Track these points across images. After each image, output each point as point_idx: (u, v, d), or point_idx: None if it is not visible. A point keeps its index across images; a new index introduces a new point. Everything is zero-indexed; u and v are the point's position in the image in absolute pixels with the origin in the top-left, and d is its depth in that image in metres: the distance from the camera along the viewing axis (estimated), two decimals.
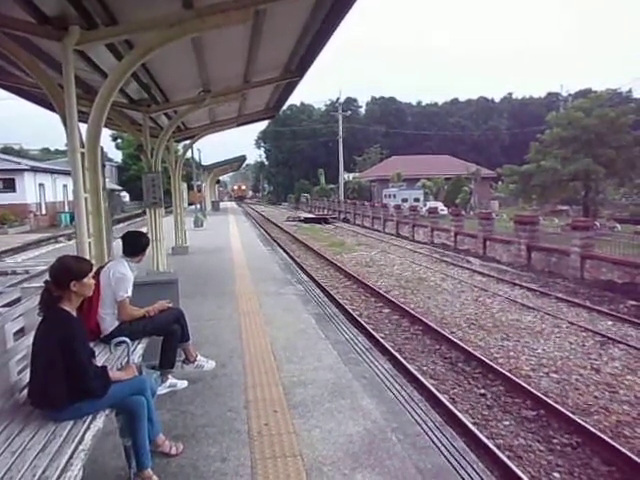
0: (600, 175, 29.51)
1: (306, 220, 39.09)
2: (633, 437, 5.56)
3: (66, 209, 37.82)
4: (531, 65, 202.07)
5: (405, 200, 39.81)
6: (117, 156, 62.22)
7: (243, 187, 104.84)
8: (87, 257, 5.20)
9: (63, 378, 2.90)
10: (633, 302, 11.62)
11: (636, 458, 4.91)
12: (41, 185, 36.60)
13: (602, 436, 5.34)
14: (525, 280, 14.58)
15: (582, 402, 6.44)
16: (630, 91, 62.02)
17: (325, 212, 46.49)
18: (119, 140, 54.93)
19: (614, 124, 29.74)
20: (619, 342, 8.69)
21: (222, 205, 52.50)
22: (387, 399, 4.61)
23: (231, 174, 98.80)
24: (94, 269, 3.62)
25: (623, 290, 12.65)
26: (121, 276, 4.21)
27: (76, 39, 4.91)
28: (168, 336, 4.57)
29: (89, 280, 3.19)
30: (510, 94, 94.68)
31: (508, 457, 5.04)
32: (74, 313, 3.11)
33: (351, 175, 66.73)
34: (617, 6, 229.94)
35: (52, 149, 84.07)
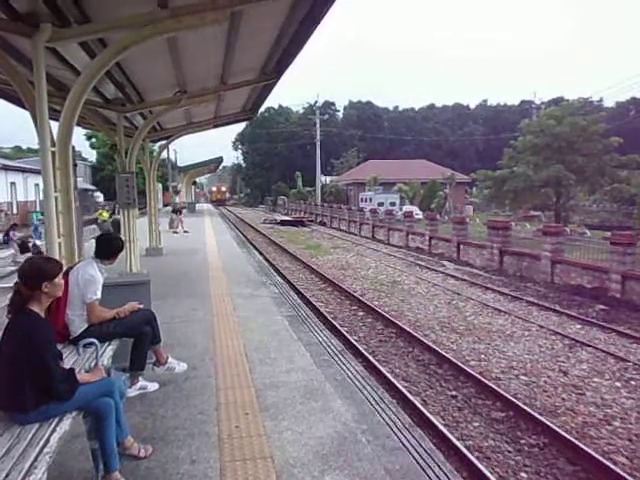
0: (571, 182, 30.20)
1: (283, 223, 39.05)
2: (598, 438, 5.70)
3: (38, 208, 37.04)
4: (505, 73, 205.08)
5: (381, 204, 40.04)
6: (91, 155, 61.20)
7: (223, 189, 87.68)
8: (57, 257, 5.13)
9: (29, 380, 2.86)
10: (601, 306, 11.89)
11: (600, 458, 5.04)
12: (12, 184, 35.79)
13: (568, 437, 5.45)
14: (497, 284, 14.80)
15: (550, 404, 6.57)
16: (601, 100, 63.67)
17: (302, 215, 46.46)
18: (93, 139, 53.84)
19: (585, 132, 30.45)
20: (587, 345, 8.89)
21: (198, 207, 52.14)
22: (358, 401, 4.63)
23: (208, 176, 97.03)
24: (64, 269, 3.57)
25: (592, 294, 12.94)
26: (90, 278, 4.15)
27: (47, 36, 4.83)
28: (138, 338, 4.52)
29: (59, 280, 3.19)
30: (485, 101, 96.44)
31: (477, 458, 5.11)
32: (42, 315, 3.07)
33: (328, 178, 66.96)
34: (593, 18, 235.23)
35: (24, 147, 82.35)
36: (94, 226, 24.15)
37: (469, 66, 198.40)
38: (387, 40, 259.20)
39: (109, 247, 4.55)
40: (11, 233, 17.19)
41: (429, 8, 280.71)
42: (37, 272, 3.06)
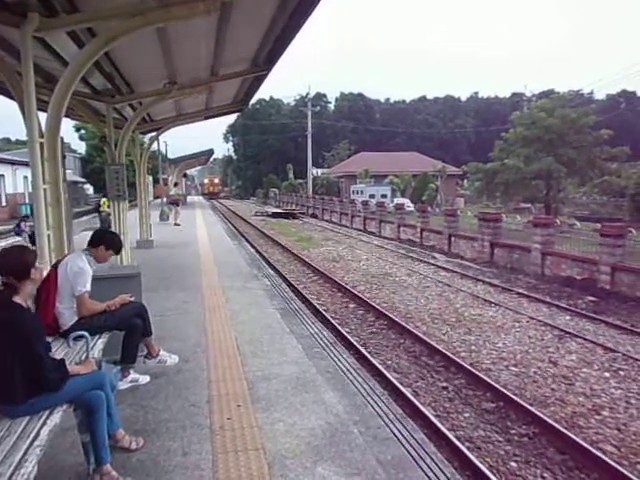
0: (561, 174, 30.38)
1: (274, 215, 38.99)
2: (587, 427, 5.75)
3: (27, 201, 36.67)
4: (497, 70, 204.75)
5: (372, 196, 40.04)
6: (81, 147, 60.64)
7: (216, 180, 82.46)
8: (46, 250, 5.11)
9: (20, 372, 2.84)
10: (591, 297, 11.99)
11: (589, 447, 5.09)
12: (1, 176, 35.46)
13: (557, 426, 5.50)
14: (488, 276, 14.87)
15: (539, 394, 6.62)
16: (592, 92, 64.01)
17: (293, 207, 46.39)
18: (82, 131, 53.34)
19: (575, 124, 30.63)
20: (576, 336, 8.96)
21: (189, 199, 52.14)
22: (350, 393, 4.66)
23: (198, 168, 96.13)
24: (53, 262, 3.56)
25: (581, 286, 13.04)
26: (79, 270, 4.12)
27: (35, 26, 4.78)
28: (130, 331, 4.50)
29: (38, 265, 3.27)
30: (476, 93, 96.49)
31: (468, 448, 5.15)
32: (25, 305, 3.05)
33: (320, 171, 66.82)
34: (588, 19, 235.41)
35: (13, 139, 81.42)
36: (88, 217, 23.90)
37: (461, 60, 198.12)
38: (379, 37, 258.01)
39: (113, 241, 4.55)
40: (22, 224, 17.28)
41: (422, 8, 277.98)
42: (23, 261, 3.10)
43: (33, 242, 15.65)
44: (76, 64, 5.19)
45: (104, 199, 21.62)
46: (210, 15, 5.49)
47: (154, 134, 18.19)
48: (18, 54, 5.01)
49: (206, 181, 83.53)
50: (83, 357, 3.70)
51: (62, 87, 5.11)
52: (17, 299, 2.99)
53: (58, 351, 3.78)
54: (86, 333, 3.73)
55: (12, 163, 37.53)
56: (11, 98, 5.67)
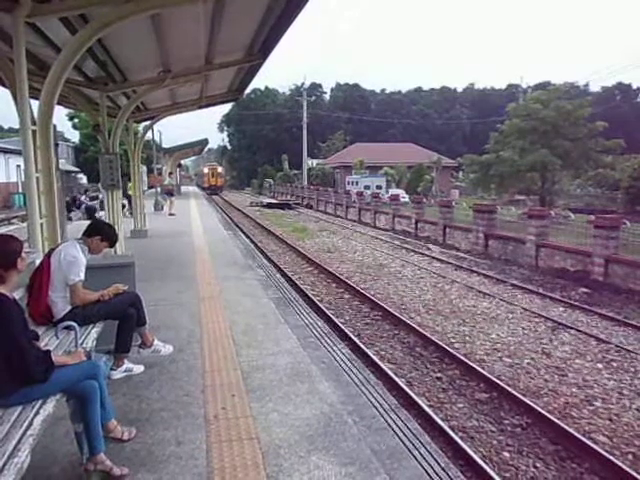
0: (556, 166, 30.40)
1: (269, 205, 38.94)
2: (579, 418, 5.79)
3: (20, 190, 36.41)
4: (492, 58, 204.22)
5: (368, 187, 39.99)
6: (74, 136, 60.00)
7: (219, 169, 64.83)
8: (39, 239, 5.07)
9: (4, 363, 2.80)
10: (584, 289, 12.05)
11: (581, 437, 5.13)
12: None
13: (550, 417, 5.54)
14: (482, 267, 14.91)
15: (533, 385, 6.66)
16: (587, 84, 64.12)
17: (288, 198, 46.33)
18: (76, 120, 52.75)
19: (570, 116, 30.62)
20: (569, 327, 9.01)
21: (184, 189, 52.02)
22: (344, 383, 4.66)
23: (193, 158, 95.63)
24: (46, 251, 3.52)
25: (575, 277, 13.10)
26: (72, 259, 4.08)
27: (27, 11, 4.70)
28: (123, 320, 4.48)
29: (24, 254, 3.20)
30: (472, 84, 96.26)
31: (461, 438, 5.18)
32: (10, 295, 3.01)
33: (315, 161, 66.65)
34: (583, 5, 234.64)
35: (5, 127, 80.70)
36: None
37: (457, 51, 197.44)
38: (375, 28, 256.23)
39: (107, 232, 4.51)
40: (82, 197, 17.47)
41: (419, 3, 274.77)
42: (10, 249, 3.06)
43: (89, 217, 15.82)
44: (69, 51, 5.12)
45: (130, 183, 21.08)
46: (205, 2, 5.43)
47: (148, 123, 18.04)
48: (10, 40, 4.93)
49: (205, 170, 65.84)
50: (73, 348, 3.67)
51: (54, 74, 5.04)
52: (2, 289, 2.95)
53: (51, 341, 3.75)
54: (74, 323, 3.69)
55: (4, 151, 37.18)
56: (3, 85, 5.60)
